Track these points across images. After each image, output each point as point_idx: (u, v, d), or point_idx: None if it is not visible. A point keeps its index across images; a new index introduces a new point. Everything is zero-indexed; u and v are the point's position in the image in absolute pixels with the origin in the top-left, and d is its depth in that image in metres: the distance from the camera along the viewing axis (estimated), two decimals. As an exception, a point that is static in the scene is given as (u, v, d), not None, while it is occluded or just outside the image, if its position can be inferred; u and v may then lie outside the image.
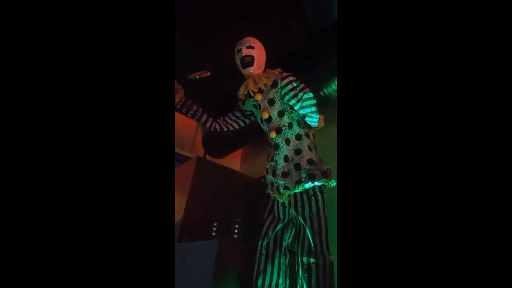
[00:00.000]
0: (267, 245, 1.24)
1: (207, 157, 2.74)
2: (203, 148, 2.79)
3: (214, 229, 1.36)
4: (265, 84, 1.29)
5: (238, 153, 3.04)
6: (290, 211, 1.25)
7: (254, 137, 2.19)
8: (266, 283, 1.19)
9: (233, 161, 2.96)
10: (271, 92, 1.30)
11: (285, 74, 1.24)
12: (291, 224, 1.27)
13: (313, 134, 1.31)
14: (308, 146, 1.24)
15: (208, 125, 1.41)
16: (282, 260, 1.23)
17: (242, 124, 1.49)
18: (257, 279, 1.20)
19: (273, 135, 1.28)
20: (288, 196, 1.22)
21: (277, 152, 1.27)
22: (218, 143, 2.66)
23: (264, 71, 1.36)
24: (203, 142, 2.82)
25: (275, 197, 1.28)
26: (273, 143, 1.29)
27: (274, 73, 1.31)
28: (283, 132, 1.26)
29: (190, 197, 1.80)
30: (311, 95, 1.15)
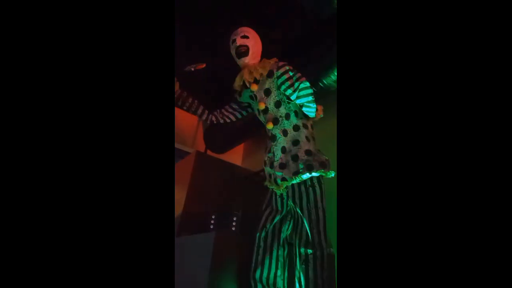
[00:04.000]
0: (265, 237, 1.23)
1: (208, 152, 2.74)
2: (204, 143, 2.79)
3: (212, 221, 1.36)
4: (261, 74, 1.27)
5: (240, 148, 3.03)
6: (288, 202, 1.23)
7: (257, 131, 2.17)
8: (264, 275, 1.18)
9: (235, 156, 2.95)
10: (267, 82, 1.28)
11: (281, 63, 1.22)
12: (289, 216, 1.26)
13: (311, 125, 1.29)
14: (306, 137, 1.23)
15: (204, 117, 1.40)
16: (280, 252, 1.22)
17: (239, 116, 1.48)
18: (255, 271, 1.19)
19: (270, 126, 1.27)
20: (286, 187, 1.21)
21: (274, 143, 1.25)
22: (219, 138, 2.65)
23: (260, 61, 1.34)
24: (205, 137, 2.81)
25: (273, 189, 1.27)
26: (270, 134, 1.28)
27: (270, 62, 1.29)
28: (280, 123, 1.25)
29: (189, 191, 1.79)
30: (307, 84, 1.13)
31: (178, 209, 1.78)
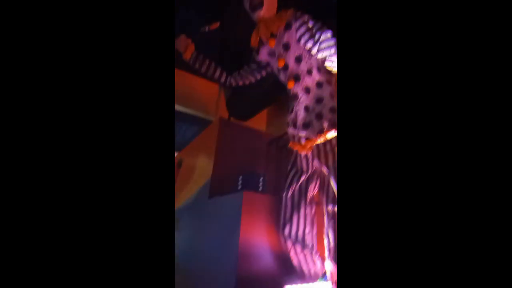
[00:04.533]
0: (292, 196, 1.24)
1: (232, 119, 2.74)
2: (227, 111, 2.79)
3: (239, 182, 1.40)
4: (278, 27, 1.18)
5: (263, 114, 2.99)
6: (313, 162, 1.21)
7: (281, 93, 2.10)
8: (293, 231, 1.21)
9: (259, 122, 2.93)
10: (285, 36, 1.19)
11: (299, 13, 1.12)
12: (315, 176, 1.24)
13: (335, 81, 1.21)
14: (330, 94, 1.16)
15: (222, 80, 1.36)
16: (308, 211, 1.23)
17: (259, 77, 1.42)
18: (284, 227, 1.22)
19: (291, 84, 1.20)
20: (311, 147, 1.18)
21: (296, 102, 1.20)
22: (242, 105, 2.63)
23: (276, 13, 1.23)
24: (227, 104, 2.80)
25: (297, 150, 1.25)
26: (291, 93, 1.22)
27: (287, 13, 1.18)
28: (301, 80, 1.18)
29: (216, 158, 1.84)
30: (329, 34, 1.04)
31: (207, 175, 1.84)
